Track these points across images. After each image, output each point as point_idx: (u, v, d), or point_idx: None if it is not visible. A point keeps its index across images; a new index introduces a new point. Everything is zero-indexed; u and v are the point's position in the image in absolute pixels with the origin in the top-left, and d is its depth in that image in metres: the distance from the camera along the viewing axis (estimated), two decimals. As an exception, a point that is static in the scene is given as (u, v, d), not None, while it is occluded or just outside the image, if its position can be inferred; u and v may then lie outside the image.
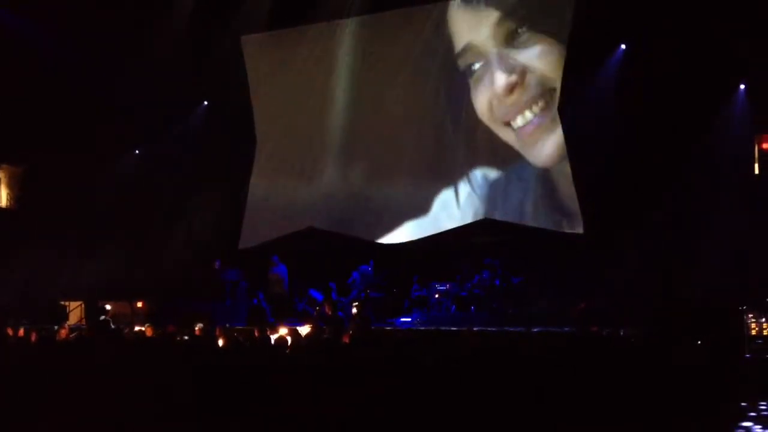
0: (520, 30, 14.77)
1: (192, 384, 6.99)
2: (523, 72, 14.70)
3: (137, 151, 18.38)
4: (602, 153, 13.68)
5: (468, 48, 15.29)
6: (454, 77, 15.58)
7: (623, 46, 14.43)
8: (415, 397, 6.13)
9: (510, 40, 14.83)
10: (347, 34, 16.40)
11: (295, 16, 16.64)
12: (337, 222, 16.48)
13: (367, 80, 16.41)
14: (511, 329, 12.20)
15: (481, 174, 15.30)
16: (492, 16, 15.02)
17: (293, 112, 17.23)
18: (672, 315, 10.83)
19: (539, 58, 14.64)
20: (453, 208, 15.59)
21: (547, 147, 14.63)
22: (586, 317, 11.10)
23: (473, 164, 15.42)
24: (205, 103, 18.09)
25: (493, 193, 15.21)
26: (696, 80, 13.08)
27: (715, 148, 13.45)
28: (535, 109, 14.67)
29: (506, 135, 14.95)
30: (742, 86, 13.76)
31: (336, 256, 16.06)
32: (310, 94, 17.00)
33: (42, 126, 16.55)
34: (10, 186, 18.09)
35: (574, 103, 14.39)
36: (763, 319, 11.28)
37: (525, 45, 14.76)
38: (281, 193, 17.24)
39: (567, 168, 14.45)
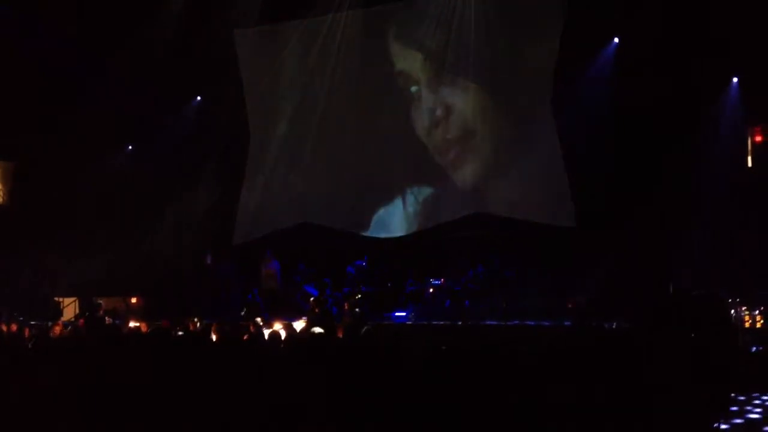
0: (444, 70, 15.46)
1: (187, 379, 6.99)
2: (447, 109, 15.49)
3: (130, 147, 18.33)
4: (595, 146, 13.69)
5: (402, 73, 16.00)
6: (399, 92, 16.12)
7: (616, 40, 14.44)
8: (410, 392, 6.13)
9: (438, 75, 15.56)
10: (327, 29, 16.49)
11: (288, 10, 16.62)
12: (331, 217, 16.48)
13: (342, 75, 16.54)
14: (506, 324, 12.21)
15: (417, 188, 16.00)
16: (419, 54, 15.72)
17: (286, 106, 17.20)
18: (666, 308, 10.84)
19: (462, 100, 15.40)
20: (390, 220, 16.21)
21: (468, 173, 15.50)
22: (584, 311, 11.11)
23: (410, 177, 16.07)
24: (198, 97, 18.04)
25: (427, 206, 15.86)
26: (689, 73, 13.08)
27: (709, 141, 13.49)
28: (457, 142, 15.45)
29: (436, 155, 15.71)
30: (735, 79, 13.78)
31: (330, 252, 16.04)
32: (301, 87, 16.97)
33: (34, 121, 16.48)
34: (3, 181, 18.02)
35: (566, 95, 14.40)
36: (757, 312, 11.34)
37: (450, 85, 15.50)
38: (276, 187, 17.23)
39: (498, 183, 15.19)
